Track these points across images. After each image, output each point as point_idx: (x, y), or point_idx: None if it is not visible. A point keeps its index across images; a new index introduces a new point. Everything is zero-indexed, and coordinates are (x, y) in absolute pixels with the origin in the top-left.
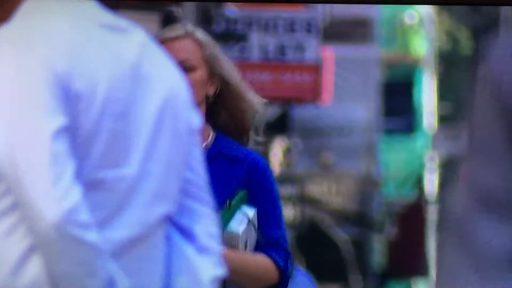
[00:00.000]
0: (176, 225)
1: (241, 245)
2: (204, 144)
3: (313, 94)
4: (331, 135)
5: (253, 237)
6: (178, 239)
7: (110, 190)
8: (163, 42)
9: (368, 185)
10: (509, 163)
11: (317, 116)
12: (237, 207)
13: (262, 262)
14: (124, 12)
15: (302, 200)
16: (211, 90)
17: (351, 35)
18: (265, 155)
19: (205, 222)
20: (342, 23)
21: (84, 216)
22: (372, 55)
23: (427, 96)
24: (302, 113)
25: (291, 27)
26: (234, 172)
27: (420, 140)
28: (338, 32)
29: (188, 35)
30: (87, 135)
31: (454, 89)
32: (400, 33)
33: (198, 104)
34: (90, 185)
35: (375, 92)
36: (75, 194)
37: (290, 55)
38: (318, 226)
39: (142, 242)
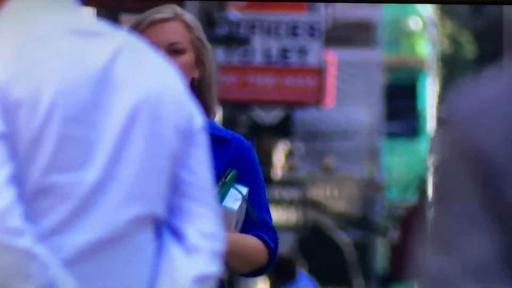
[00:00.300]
0: (168, 225)
1: (234, 222)
2: None
3: (316, 97)
4: (334, 138)
5: (243, 215)
6: (167, 239)
7: (65, 194)
8: (152, 23)
9: (371, 189)
10: (491, 229)
11: (319, 120)
12: (231, 184)
13: (254, 243)
14: (126, 15)
15: (305, 203)
16: (196, 74)
17: (354, 39)
18: (269, 158)
19: (199, 221)
20: (345, 26)
21: (15, 221)
22: (374, 58)
23: (430, 99)
24: (304, 116)
25: (293, 30)
26: (222, 151)
27: (423, 144)
28: (341, 36)
29: (177, 17)
30: (30, 140)
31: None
32: (403, 36)
33: None
34: (40, 190)
35: (378, 95)
36: (5, 198)
37: (293, 58)
38: (320, 230)
39: (114, 244)
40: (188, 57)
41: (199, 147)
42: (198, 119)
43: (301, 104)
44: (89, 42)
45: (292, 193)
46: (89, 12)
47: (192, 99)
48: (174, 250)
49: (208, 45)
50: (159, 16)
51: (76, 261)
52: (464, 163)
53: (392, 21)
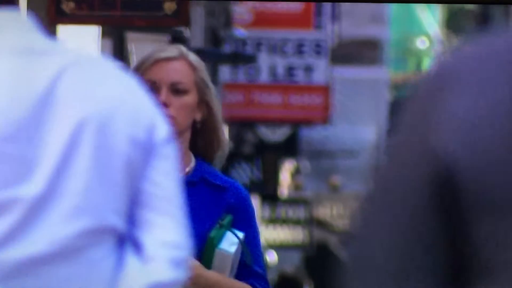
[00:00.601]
0: (129, 237)
1: (230, 266)
2: (186, 170)
3: (322, 115)
4: (340, 157)
5: (238, 260)
6: (127, 251)
7: (2, 210)
8: (156, 61)
9: None
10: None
11: (326, 138)
12: (228, 228)
13: None
14: (132, 33)
15: (311, 222)
16: (198, 116)
17: (360, 57)
18: (275, 176)
19: (159, 231)
20: (351, 44)
21: None
22: (381, 76)
23: None
24: (311, 135)
25: (299, 48)
26: (218, 199)
27: None
28: (347, 54)
29: (182, 56)
30: None
31: None
32: (410, 54)
33: (185, 129)
34: None
35: (384, 113)
36: None
37: (299, 76)
38: (327, 248)
39: (61, 259)
40: (190, 98)
41: (162, 157)
42: (160, 130)
43: (307, 122)
44: (33, 61)
45: (298, 212)
46: (42, 30)
47: (158, 111)
48: (130, 262)
49: (212, 87)
50: (164, 54)
51: (13, 277)
52: (423, 165)
53: (399, 39)
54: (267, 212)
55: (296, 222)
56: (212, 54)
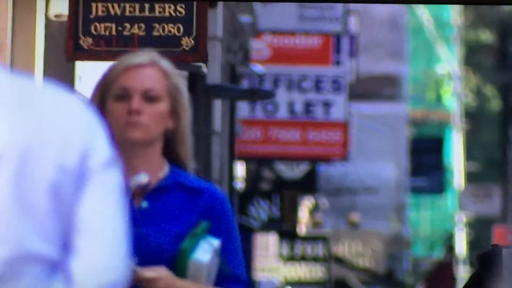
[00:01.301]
0: (60, 264)
1: (205, 275)
2: (158, 175)
3: (341, 152)
4: (359, 193)
5: (215, 267)
6: (55, 279)
7: None
8: (128, 68)
9: (396, 245)
10: None
11: (344, 175)
12: (201, 236)
13: None
14: None
15: (330, 259)
16: (170, 124)
17: (379, 93)
18: (293, 213)
19: (89, 257)
20: (370, 80)
21: None
22: (400, 112)
23: (456, 154)
24: (329, 171)
25: (318, 84)
26: (193, 203)
27: (450, 199)
28: (365, 90)
29: (153, 63)
30: None
31: (481, 147)
32: (428, 90)
33: (157, 137)
34: None
35: (403, 150)
36: None
37: (317, 112)
38: (346, 286)
39: None
40: (162, 106)
41: (98, 182)
42: (97, 155)
43: (326, 158)
44: None
45: (316, 249)
46: None
47: (99, 136)
48: (55, 286)
49: (186, 94)
50: (135, 61)
51: None
52: None
53: (417, 75)
54: (285, 249)
55: (315, 259)
56: (230, 90)
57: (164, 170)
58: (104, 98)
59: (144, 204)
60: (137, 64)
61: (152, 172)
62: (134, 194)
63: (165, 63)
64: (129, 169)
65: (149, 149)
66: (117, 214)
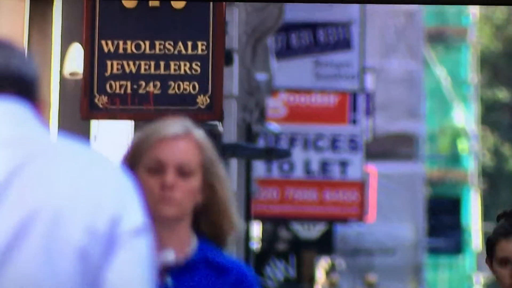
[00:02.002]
0: None
1: None
2: (186, 250)
3: (358, 212)
4: (376, 254)
5: None
6: None
7: None
8: (162, 139)
9: None
10: None
11: (361, 235)
12: None
13: None
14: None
15: None
16: (200, 198)
17: (395, 152)
18: (310, 274)
19: None
20: (386, 139)
21: None
22: (417, 172)
23: (474, 214)
24: (346, 231)
25: (334, 143)
26: (220, 281)
27: (467, 260)
28: (382, 149)
29: (187, 134)
30: None
31: (499, 207)
32: (445, 150)
33: (188, 212)
34: None
35: (421, 210)
36: None
37: (334, 172)
38: None
39: None
40: (195, 181)
41: (128, 248)
42: (128, 221)
43: (343, 219)
44: None
45: None
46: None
47: (130, 201)
48: None
49: (220, 167)
50: (170, 131)
51: None
52: None
53: (434, 133)
54: None
55: None
56: (246, 149)
57: (191, 245)
58: (135, 166)
59: (169, 281)
60: (172, 135)
61: (180, 247)
62: (159, 270)
63: (199, 134)
64: (157, 243)
65: (178, 224)
66: (144, 282)
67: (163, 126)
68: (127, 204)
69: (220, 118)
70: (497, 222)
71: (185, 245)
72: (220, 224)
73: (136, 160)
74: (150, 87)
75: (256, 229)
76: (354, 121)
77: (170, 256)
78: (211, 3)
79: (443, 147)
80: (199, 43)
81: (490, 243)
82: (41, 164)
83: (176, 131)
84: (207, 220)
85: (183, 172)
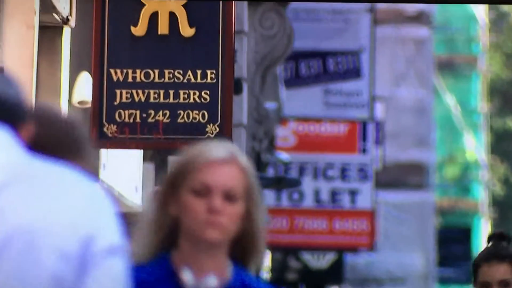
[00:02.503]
0: None
1: None
2: (225, 276)
3: (368, 241)
4: (386, 284)
5: None
6: None
7: None
8: (209, 163)
9: None
10: None
11: (371, 265)
12: None
13: None
14: (174, 156)
15: None
16: (240, 225)
17: (405, 181)
18: None
19: None
20: (396, 168)
21: None
22: (427, 201)
23: (485, 244)
24: (356, 261)
25: (344, 172)
26: None
27: None
28: (392, 178)
29: (234, 159)
30: None
31: None
32: (456, 179)
33: (229, 237)
34: None
35: (431, 239)
36: None
37: (344, 201)
38: None
39: None
40: (239, 207)
41: (101, 268)
42: (101, 241)
43: (353, 248)
44: None
45: None
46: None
47: (106, 221)
48: None
49: (260, 195)
50: (217, 155)
51: None
52: None
53: (444, 163)
54: None
55: None
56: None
57: (228, 269)
58: (178, 187)
59: None
60: (219, 159)
61: (219, 271)
62: None
63: (244, 160)
64: (196, 267)
65: (219, 248)
66: None
67: (209, 149)
68: (101, 224)
69: (232, 138)
70: (487, 243)
71: (223, 270)
72: (251, 251)
73: (179, 181)
74: (160, 116)
75: (266, 259)
76: (364, 150)
77: (212, 282)
78: (220, 32)
79: (453, 176)
80: (209, 72)
81: (474, 267)
82: (17, 188)
83: (223, 155)
84: (239, 245)
85: (229, 197)
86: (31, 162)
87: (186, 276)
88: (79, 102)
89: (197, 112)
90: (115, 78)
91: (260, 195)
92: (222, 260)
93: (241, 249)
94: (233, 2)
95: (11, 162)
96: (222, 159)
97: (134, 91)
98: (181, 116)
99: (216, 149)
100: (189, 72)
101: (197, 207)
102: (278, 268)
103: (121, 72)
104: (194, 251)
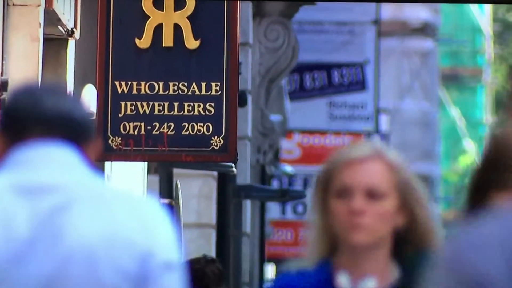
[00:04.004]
0: None
1: None
2: (387, 280)
3: None
4: None
5: None
6: None
7: None
8: (349, 163)
9: None
10: None
11: None
12: None
13: None
14: (180, 169)
15: None
16: (400, 221)
17: None
18: None
19: None
20: None
21: None
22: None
23: None
24: None
25: None
26: None
27: None
28: None
29: (377, 155)
30: None
31: None
32: (461, 191)
33: (382, 239)
34: None
35: None
36: None
37: None
38: None
39: None
40: (388, 203)
41: (158, 283)
42: (158, 258)
43: None
44: (26, 199)
45: None
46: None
47: (162, 238)
48: None
49: (418, 187)
50: (356, 154)
51: None
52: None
53: (449, 175)
54: None
55: None
56: (260, 191)
57: (393, 273)
58: (326, 195)
59: None
60: (359, 157)
61: (379, 273)
62: None
63: (392, 155)
64: (353, 271)
65: (376, 250)
66: None
67: (351, 149)
68: (157, 240)
69: (234, 160)
70: None
71: (385, 272)
72: (420, 247)
73: (325, 187)
74: (164, 128)
75: (270, 271)
76: None
77: (371, 285)
78: (225, 44)
79: (457, 189)
80: (213, 84)
81: None
82: (78, 208)
83: (363, 153)
84: (410, 243)
85: (373, 195)
86: (92, 181)
87: (342, 280)
88: None
89: (202, 124)
90: (119, 90)
91: (419, 187)
92: (383, 261)
93: (413, 247)
94: (238, 15)
95: (74, 182)
96: (363, 157)
97: (138, 103)
98: (185, 129)
99: (358, 148)
100: (194, 84)
101: (339, 210)
102: None
103: (126, 84)
104: (350, 255)
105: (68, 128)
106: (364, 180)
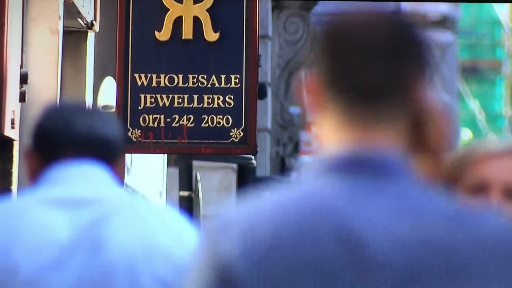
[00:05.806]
0: None
1: None
2: None
3: None
4: None
5: None
6: None
7: None
8: (485, 156)
9: None
10: None
11: None
12: None
13: None
14: (200, 162)
15: None
16: None
17: None
18: None
19: None
20: None
21: None
22: None
23: None
24: None
25: None
26: None
27: None
28: None
29: None
30: None
31: None
32: None
33: None
34: None
35: None
36: None
37: None
38: None
39: None
40: None
41: None
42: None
43: None
44: (63, 211)
45: None
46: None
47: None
48: None
49: None
50: (494, 148)
51: None
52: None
53: None
54: None
55: None
56: (279, 183)
57: None
58: (455, 184)
59: None
60: (498, 151)
61: None
62: None
63: None
64: None
65: None
66: None
67: (488, 142)
68: (190, 250)
69: (254, 152)
70: None
71: None
72: None
73: (456, 177)
74: (184, 121)
75: None
76: None
77: None
78: (244, 37)
79: None
80: (233, 76)
81: None
82: (117, 220)
83: (503, 147)
84: None
85: (511, 193)
86: (125, 196)
87: None
88: (104, 107)
89: (221, 116)
90: (139, 83)
91: None
92: None
93: None
94: (257, 7)
95: (109, 196)
96: (502, 151)
97: (158, 96)
98: (205, 121)
99: (494, 142)
100: (213, 77)
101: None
102: None
103: (145, 77)
104: None
105: (100, 148)
106: (502, 177)
